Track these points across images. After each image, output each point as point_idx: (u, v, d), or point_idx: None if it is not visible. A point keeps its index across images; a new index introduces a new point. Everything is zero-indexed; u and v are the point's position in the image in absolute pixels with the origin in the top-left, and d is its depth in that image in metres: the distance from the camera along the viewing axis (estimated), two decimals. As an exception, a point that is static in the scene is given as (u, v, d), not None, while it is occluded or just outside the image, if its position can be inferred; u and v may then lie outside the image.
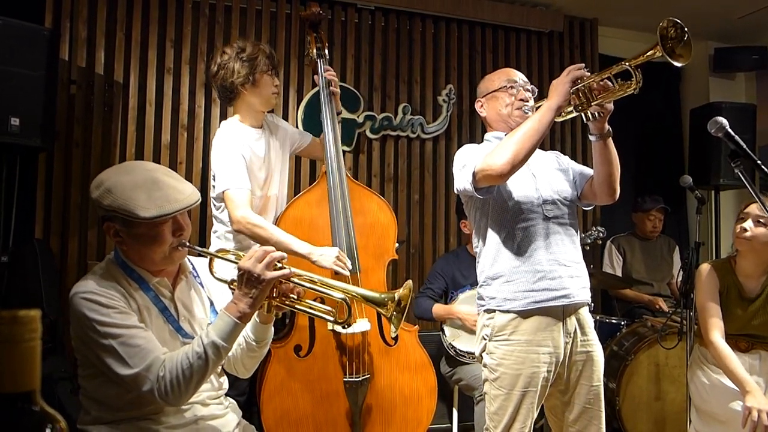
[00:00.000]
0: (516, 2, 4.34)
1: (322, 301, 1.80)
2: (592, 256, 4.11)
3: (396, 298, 1.66)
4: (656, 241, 4.26)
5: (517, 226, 2.01)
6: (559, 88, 1.86)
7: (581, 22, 4.63)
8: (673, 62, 1.68)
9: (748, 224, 2.49)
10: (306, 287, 1.63)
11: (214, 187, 2.52)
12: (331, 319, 1.65)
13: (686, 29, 1.69)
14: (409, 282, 1.72)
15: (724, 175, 4.19)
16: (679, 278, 3.09)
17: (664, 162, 4.95)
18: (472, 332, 3.00)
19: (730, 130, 1.81)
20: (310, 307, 1.67)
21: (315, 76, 2.76)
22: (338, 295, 1.62)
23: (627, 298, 4.11)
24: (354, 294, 1.66)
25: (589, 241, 3.58)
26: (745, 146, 1.81)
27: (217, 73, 2.52)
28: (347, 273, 2.41)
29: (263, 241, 2.39)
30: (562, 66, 4.46)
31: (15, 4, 3.07)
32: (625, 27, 4.71)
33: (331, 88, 2.68)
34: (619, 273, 4.15)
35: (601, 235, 3.59)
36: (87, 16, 3.46)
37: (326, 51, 2.73)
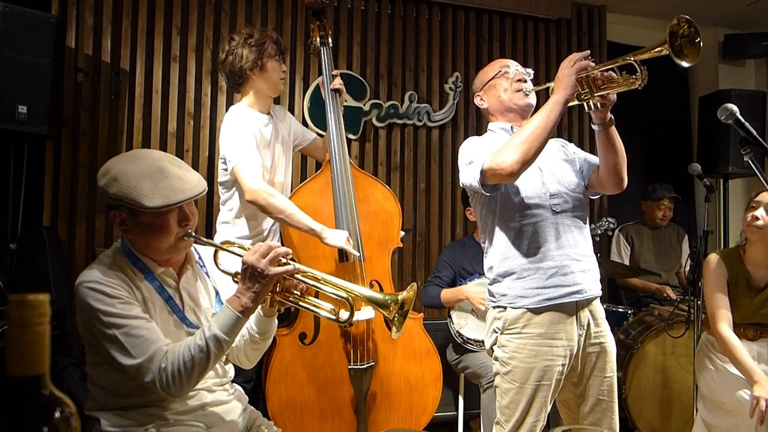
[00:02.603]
0: (524, -11, 4.31)
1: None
2: (600, 245, 4.10)
3: (399, 301, 1.64)
4: (665, 229, 4.22)
5: (525, 221, 1.98)
6: (565, 80, 1.82)
7: (589, 9, 4.58)
8: (678, 62, 1.64)
9: (760, 212, 2.46)
10: (309, 284, 1.63)
11: (225, 169, 2.52)
12: (333, 317, 1.65)
13: (699, 31, 1.65)
14: (414, 285, 1.70)
15: (733, 163, 4.17)
16: (687, 267, 3.08)
17: (673, 150, 4.92)
18: (480, 318, 3.00)
19: (740, 117, 1.79)
20: (313, 305, 1.67)
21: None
22: (341, 294, 1.61)
23: (634, 287, 4.09)
24: (357, 294, 1.64)
25: (599, 232, 3.58)
26: (755, 133, 1.79)
27: (226, 59, 2.55)
28: (356, 254, 2.43)
29: (277, 211, 2.39)
30: (570, 54, 4.42)
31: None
32: (633, 14, 4.67)
33: (335, 86, 2.67)
34: (626, 262, 4.13)
35: (611, 226, 3.59)
36: (93, 3, 3.45)
37: (329, 39, 2.73)
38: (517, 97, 2.09)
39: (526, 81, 2.11)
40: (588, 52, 1.86)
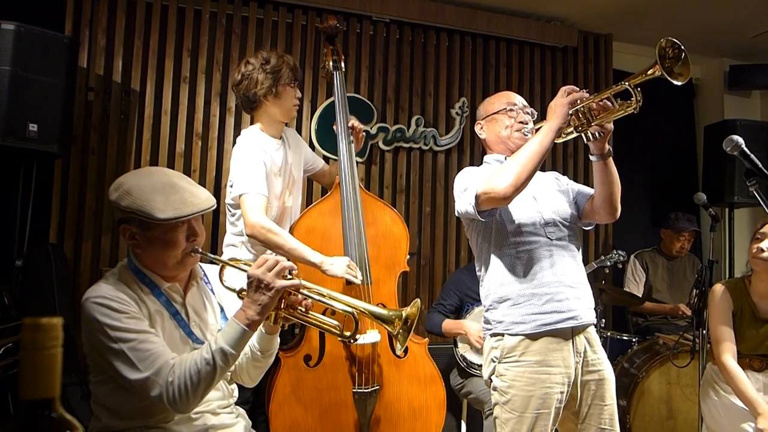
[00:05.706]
0: (531, 17, 4.35)
1: (333, 313, 1.79)
2: (605, 272, 4.07)
3: (403, 316, 1.66)
4: (681, 260, 4.19)
5: (520, 249, 2.00)
6: (558, 109, 1.86)
7: (596, 38, 4.63)
8: (672, 81, 1.66)
9: (765, 244, 2.46)
10: (314, 299, 1.64)
11: (230, 192, 2.53)
12: (338, 333, 1.65)
13: (683, 48, 1.68)
14: (418, 301, 1.72)
15: (739, 193, 4.17)
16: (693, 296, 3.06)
17: (678, 179, 4.92)
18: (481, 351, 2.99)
19: (745, 148, 1.81)
20: (318, 321, 1.67)
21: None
22: (346, 309, 1.62)
23: (647, 311, 4.05)
24: (361, 310, 1.65)
25: (608, 264, 3.57)
26: (760, 165, 1.80)
27: (241, 82, 2.54)
28: (358, 281, 2.42)
29: (276, 247, 2.39)
30: (576, 82, 4.46)
31: (36, 12, 3.12)
32: (639, 42, 4.70)
33: (355, 128, 2.70)
34: (641, 287, 4.09)
35: (621, 258, 3.57)
36: (106, 24, 3.51)
37: (342, 63, 2.75)
38: (516, 137, 2.12)
39: (527, 123, 2.14)
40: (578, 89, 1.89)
